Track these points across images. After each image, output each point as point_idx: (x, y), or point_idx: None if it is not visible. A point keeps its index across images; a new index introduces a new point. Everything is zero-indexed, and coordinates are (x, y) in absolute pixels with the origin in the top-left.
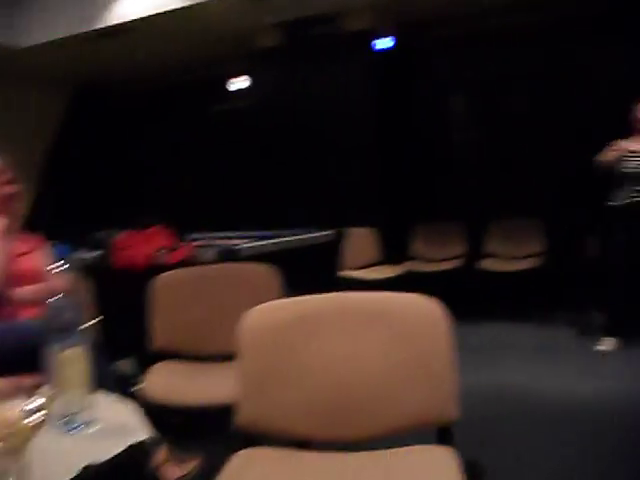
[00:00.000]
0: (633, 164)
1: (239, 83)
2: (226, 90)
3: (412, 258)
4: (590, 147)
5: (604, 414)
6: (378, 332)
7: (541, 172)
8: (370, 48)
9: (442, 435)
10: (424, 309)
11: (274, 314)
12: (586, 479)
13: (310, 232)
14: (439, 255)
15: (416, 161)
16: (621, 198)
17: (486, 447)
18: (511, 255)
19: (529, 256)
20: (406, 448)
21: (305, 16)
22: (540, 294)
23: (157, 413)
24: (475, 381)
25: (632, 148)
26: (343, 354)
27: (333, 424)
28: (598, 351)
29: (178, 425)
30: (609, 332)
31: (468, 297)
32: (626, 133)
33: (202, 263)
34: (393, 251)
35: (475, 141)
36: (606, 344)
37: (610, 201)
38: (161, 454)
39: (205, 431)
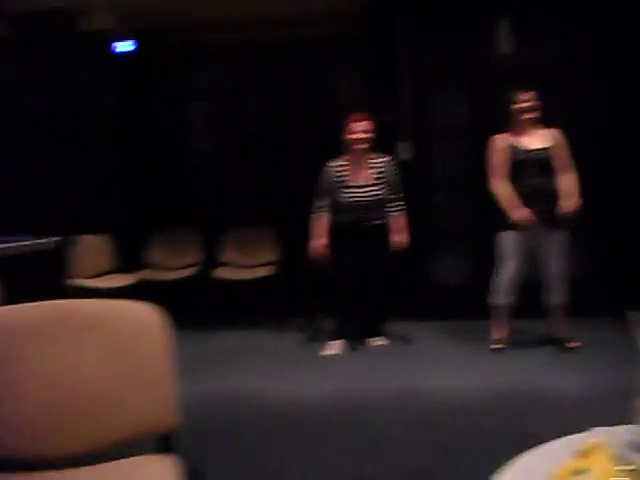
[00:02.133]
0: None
1: None
2: None
3: (148, 266)
4: (317, 160)
5: (334, 415)
6: (94, 341)
7: (273, 182)
8: (109, 50)
9: (163, 445)
10: (141, 317)
11: None
12: None
13: (31, 239)
14: (175, 263)
15: (154, 168)
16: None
17: (214, 454)
18: (246, 263)
19: (263, 265)
20: (126, 460)
21: (39, 10)
22: (274, 302)
23: None
24: (208, 389)
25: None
26: (58, 365)
27: (47, 440)
28: (325, 355)
29: None
30: (335, 337)
31: (204, 305)
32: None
33: None
34: (129, 259)
35: (213, 150)
36: (333, 348)
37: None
38: None
39: None
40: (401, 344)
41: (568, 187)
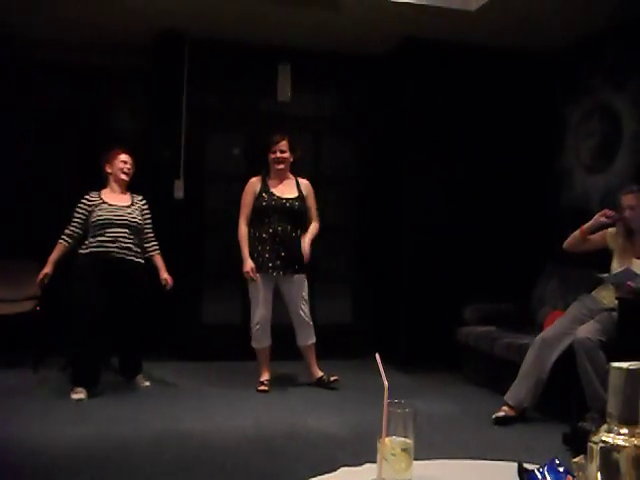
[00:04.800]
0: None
1: None
2: None
3: None
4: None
5: (89, 459)
6: None
7: (40, 212)
8: None
9: None
10: None
11: None
12: None
13: None
14: None
15: None
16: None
17: None
18: (7, 297)
19: (26, 299)
20: None
21: None
22: (35, 339)
23: None
24: None
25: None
26: None
27: None
28: (76, 399)
29: None
30: (76, 381)
31: None
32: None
33: None
34: None
35: None
36: (78, 393)
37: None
38: None
39: None
40: (166, 385)
41: (309, 234)
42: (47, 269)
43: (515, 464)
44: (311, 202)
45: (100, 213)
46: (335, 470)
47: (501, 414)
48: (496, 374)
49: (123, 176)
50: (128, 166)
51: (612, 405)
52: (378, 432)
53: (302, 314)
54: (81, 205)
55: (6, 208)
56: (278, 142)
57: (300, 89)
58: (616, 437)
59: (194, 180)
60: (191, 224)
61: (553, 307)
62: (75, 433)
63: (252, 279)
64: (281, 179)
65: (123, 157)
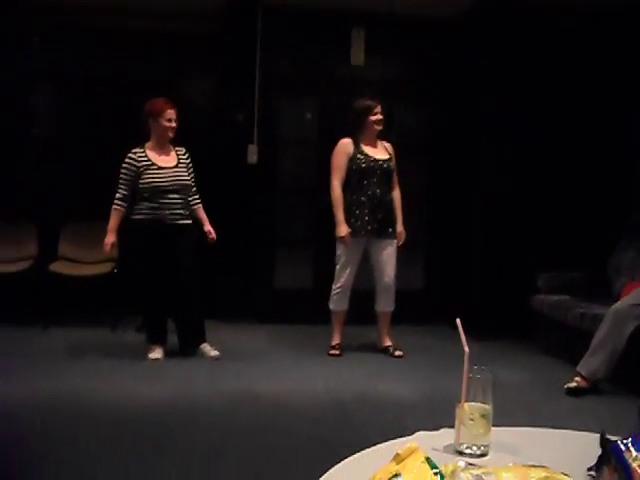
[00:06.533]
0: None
1: None
2: None
3: None
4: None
5: (165, 419)
6: None
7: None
8: None
9: None
10: None
11: None
12: None
13: None
14: (10, 256)
15: None
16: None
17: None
18: (84, 259)
19: (103, 261)
20: None
21: None
22: (112, 299)
23: None
24: (30, 389)
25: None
26: None
27: None
28: (152, 358)
29: None
30: (152, 341)
31: (38, 301)
32: None
33: None
34: None
35: (53, 139)
36: (155, 352)
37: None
38: None
39: None
40: (239, 348)
41: (397, 201)
42: (110, 238)
43: (596, 435)
44: (395, 165)
45: (150, 178)
46: (408, 435)
47: (573, 385)
48: (569, 344)
49: (170, 134)
50: (174, 124)
51: None
52: (448, 398)
53: (388, 280)
54: (128, 165)
55: (83, 171)
56: (377, 105)
57: (373, 54)
58: None
59: (267, 145)
60: (264, 189)
61: (631, 278)
62: (150, 391)
63: (345, 244)
64: (374, 142)
65: (170, 113)
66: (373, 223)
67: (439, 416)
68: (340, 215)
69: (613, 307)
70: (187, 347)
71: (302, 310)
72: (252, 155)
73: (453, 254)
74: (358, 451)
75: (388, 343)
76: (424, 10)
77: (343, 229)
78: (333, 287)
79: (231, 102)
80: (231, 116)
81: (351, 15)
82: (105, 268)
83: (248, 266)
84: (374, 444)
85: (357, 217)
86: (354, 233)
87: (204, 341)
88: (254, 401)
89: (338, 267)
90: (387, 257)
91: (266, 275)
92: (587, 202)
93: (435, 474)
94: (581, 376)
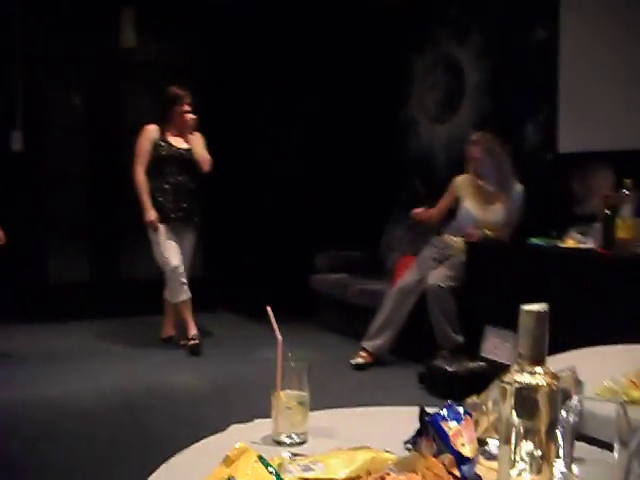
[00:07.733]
0: None
1: None
2: None
3: None
4: None
5: None
6: None
7: None
8: None
9: None
10: None
11: None
12: None
13: None
14: None
15: None
16: None
17: None
18: None
19: None
20: None
21: None
22: None
23: None
24: None
25: None
26: None
27: None
28: None
29: None
30: None
31: None
32: None
33: None
34: None
35: None
36: None
37: None
38: None
39: None
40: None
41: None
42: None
43: (404, 408)
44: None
45: None
46: (221, 430)
47: (360, 361)
48: (351, 320)
49: None
50: None
51: (523, 346)
52: (240, 386)
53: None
54: None
55: None
56: (187, 96)
57: (145, 35)
58: (534, 376)
59: (33, 131)
60: (33, 177)
61: (402, 253)
62: None
63: (154, 228)
64: (183, 132)
65: None
66: (177, 211)
67: (234, 405)
68: (146, 200)
69: (395, 287)
70: None
71: (76, 305)
72: (16, 142)
73: (231, 238)
74: (176, 449)
75: (172, 333)
76: None
77: (151, 214)
78: (165, 276)
79: None
80: None
81: None
82: None
83: (17, 260)
84: (183, 439)
85: (161, 204)
86: (162, 220)
87: None
88: (37, 406)
89: (159, 254)
90: (189, 247)
91: (39, 268)
92: (359, 182)
93: (270, 473)
94: (366, 351)
